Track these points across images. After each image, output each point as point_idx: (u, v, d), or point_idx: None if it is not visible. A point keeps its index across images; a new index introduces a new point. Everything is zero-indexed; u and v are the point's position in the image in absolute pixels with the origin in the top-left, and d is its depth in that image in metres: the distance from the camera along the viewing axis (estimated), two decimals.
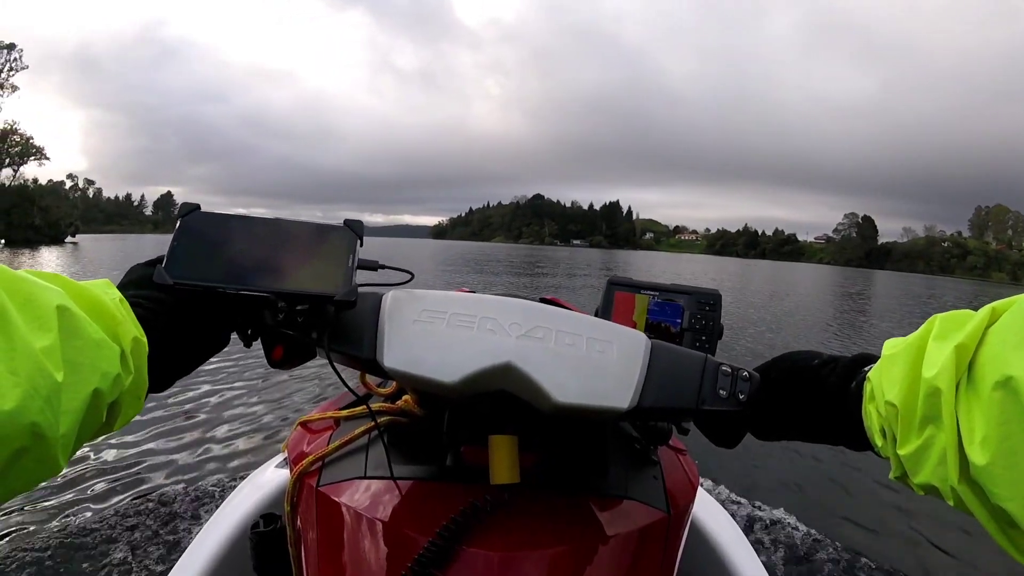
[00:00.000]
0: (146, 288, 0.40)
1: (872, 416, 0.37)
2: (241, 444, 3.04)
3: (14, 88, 43.77)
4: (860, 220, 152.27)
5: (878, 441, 0.37)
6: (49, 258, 22.04)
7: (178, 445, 2.92)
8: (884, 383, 0.35)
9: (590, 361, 0.43)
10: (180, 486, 2.41)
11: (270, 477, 0.82)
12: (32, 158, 47.22)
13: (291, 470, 0.57)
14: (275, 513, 0.63)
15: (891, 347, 0.37)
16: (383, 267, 0.51)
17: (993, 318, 0.30)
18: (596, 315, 0.57)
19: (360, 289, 0.42)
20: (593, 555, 0.46)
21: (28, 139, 47.69)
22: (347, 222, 0.44)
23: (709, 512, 0.82)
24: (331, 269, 0.41)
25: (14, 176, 46.43)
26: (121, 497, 2.31)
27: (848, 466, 3.29)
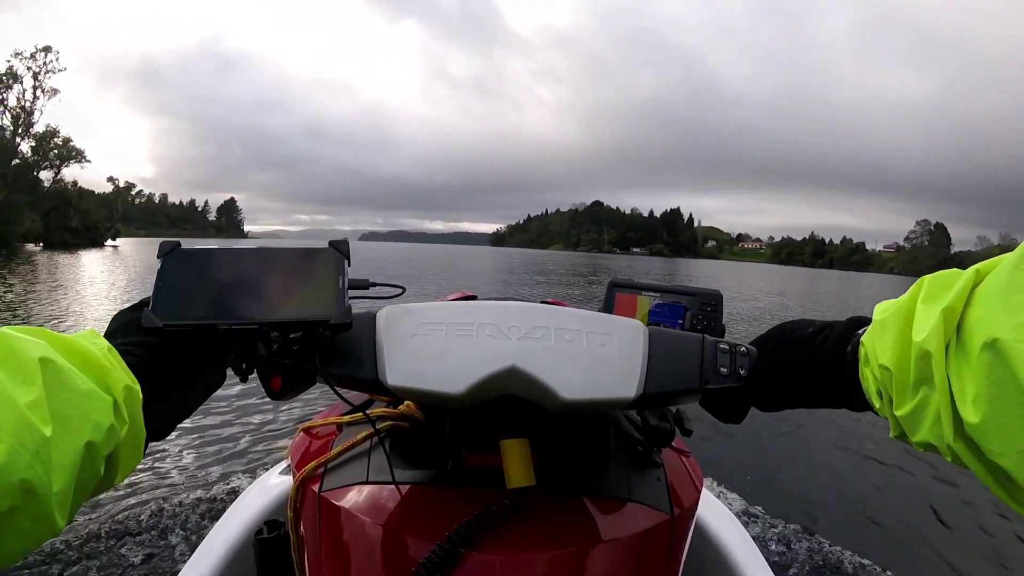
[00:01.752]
0: (134, 334, 0.39)
1: (868, 379, 0.38)
2: (244, 450, 3.01)
3: (54, 91, 43.08)
4: (933, 228, 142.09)
5: (876, 403, 0.38)
6: (88, 260, 22.26)
7: (181, 451, 2.92)
8: (877, 347, 0.36)
9: (592, 355, 0.43)
10: (184, 493, 2.40)
11: (274, 483, 0.82)
12: (73, 160, 46.03)
13: (294, 476, 0.57)
14: (279, 519, 0.62)
15: (882, 311, 0.37)
16: (374, 284, 0.50)
17: (978, 279, 0.31)
18: None
19: (352, 309, 0.42)
20: (597, 558, 0.46)
21: (68, 141, 45.98)
22: (332, 243, 0.43)
23: (714, 514, 0.80)
24: (322, 292, 0.41)
25: (54, 179, 45.57)
26: (125, 504, 2.31)
27: (856, 467, 3.35)
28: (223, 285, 0.40)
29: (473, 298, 0.74)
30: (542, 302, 0.57)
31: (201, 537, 1.97)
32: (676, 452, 0.66)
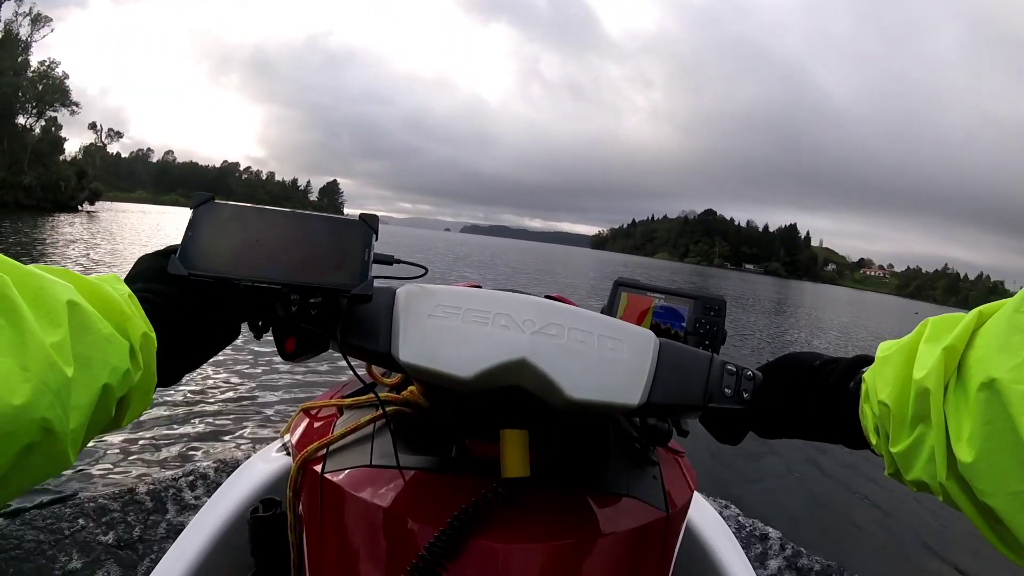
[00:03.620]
0: (154, 281, 0.40)
1: (867, 415, 0.38)
2: (237, 429, 2.95)
3: (46, 19, 35.26)
4: None
5: (873, 439, 0.38)
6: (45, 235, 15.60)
7: (173, 429, 2.87)
8: (878, 383, 0.37)
9: (602, 358, 0.44)
10: (176, 470, 2.36)
11: (270, 462, 0.81)
12: (57, 104, 37.32)
13: (294, 456, 0.57)
14: (275, 499, 0.62)
15: (885, 349, 0.38)
16: (398, 261, 0.52)
17: (981, 321, 0.31)
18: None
19: (374, 283, 0.42)
20: (593, 550, 0.47)
21: (59, 81, 37.66)
22: (362, 216, 0.44)
23: (704, 516, 0.83)
24: (347, 263, 0.41)
25: (33, 125, 36.31)
26: (116, 480, 2.29)
27: (842, 481, 3.40)
28: (251, 243, 0.40)
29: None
30: (546, 296, 0.58)
31: (191, 513, 2.14)
32: (671, 452, 0.66)
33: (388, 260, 0.49)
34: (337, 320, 0.43)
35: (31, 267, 0.29)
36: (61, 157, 38.98)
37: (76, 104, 39.90)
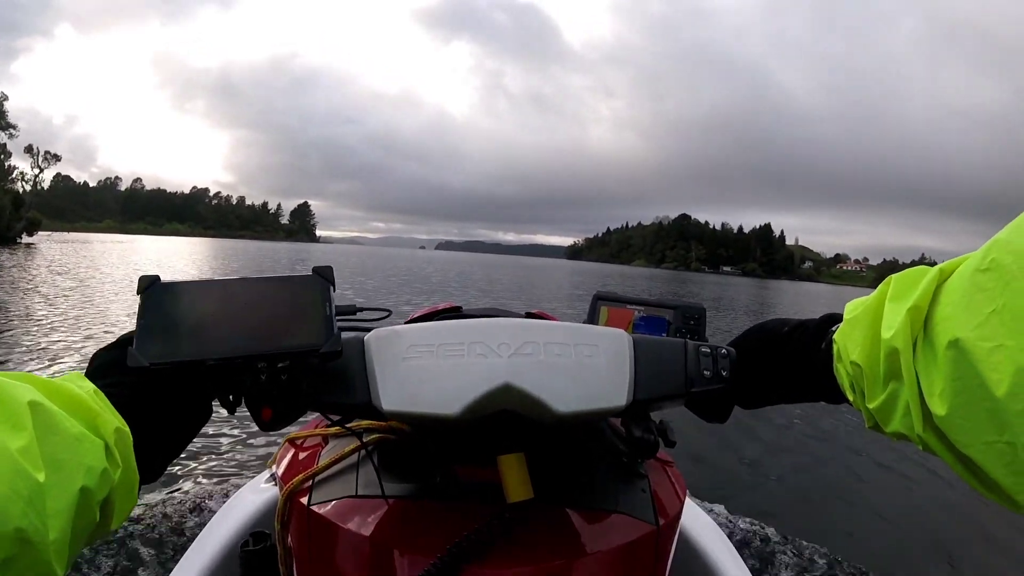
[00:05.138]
0: (117, 373, 0.39)
1: (842, 374, 0.39)
2: (225, 459, 2.96)
3: None
4: None
5: (850, 396, 0.39)
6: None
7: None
8: (848, 344, 0.38)
9: (582, 367, 0.44)
10: (166, 502, 2.27)
11: (258, 494, 0.80)
12: None
13: (280, 488, 0.57)
14: (265, 531, 0.62)
15: (852, 309, 0.39)
16: (361, 309, 0.51)
17: (943, 278, 0.32)
18: None
19: (341, 335, 0.42)
20: (583, 569, 0.47)
21: None
22: (316, 269, 0.43)
23: (697, 523, 0.81)
24: (309, 321, 0.40)
25: None
26: None
27: (834, 471, 3.49)
28: (207, 319, 0.39)
29: (458, 309, 0.73)
30: (527, 314, 0.57)
31: (183, 547, 1.56)
32: (659, 463, 0.66)
33: (351, 310, 0.48)
34: (310, 381, 0.42)
35: None
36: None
37: (13, 127, 37.49)
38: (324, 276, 0.42)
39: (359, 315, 0.52)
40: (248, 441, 3.23)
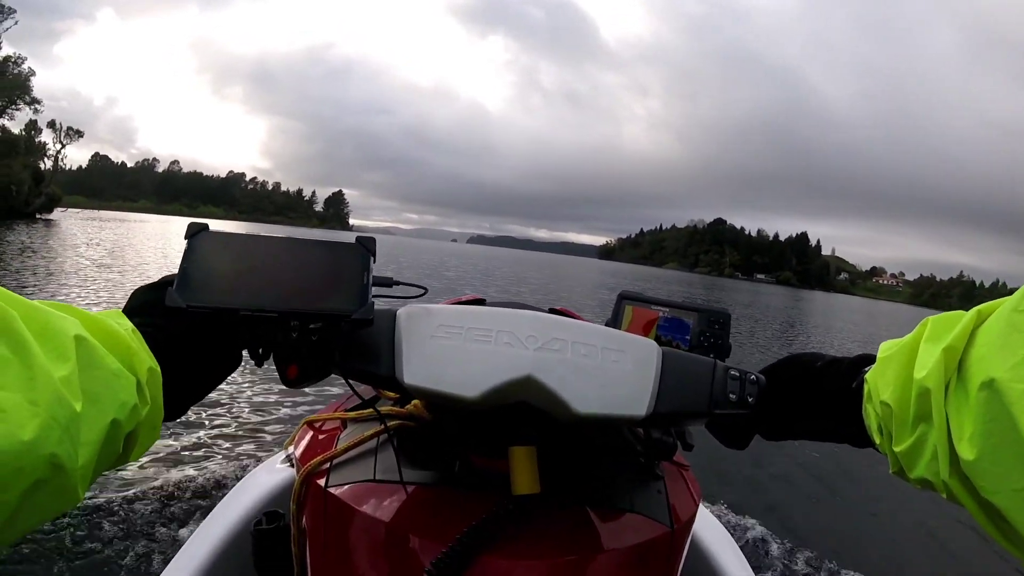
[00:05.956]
0: (153, 314, 0.40)
1: (870, 415, 0.39)
2: (240, 440, 2.97)
3: (9, 11, 31.47)
4: None
5: (876, 438, 0.38)
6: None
7: (177, 440, 2.89)
8: (879, 384, 0.37)
9: (606, 371, 0.44)
10: (179, 481, 2.37)
11: (273, 475, 0.81)
12: (19, 102, 33.28)
13: (297, 469, 0.57)
14: (279, 511, 0.62)
15: (886, 349, 0.38)
16: (398, 283, 0.51)
17: (980, 320, 0.32)
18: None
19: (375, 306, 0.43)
20: (598, 566, 0.47)
21: (25, 77, 34.00)
22: (359, 239, 0.44)
23: (708, 528, 0.81)
24: (346, 287, 0.41)
25: None
26: (118, 491, 2.28)
27: (846, 488, 3.44)
28: (248, 271, 0.40)
29: (482, 301, 0.74)
30: (550, 310, 0.58)
31: (194, 524, 1.89)
32: (676, 466, 0.66)
33: (388, 282, 0.49)
34: (338, 345, 0.43)
35: (37, 302, 0.29)
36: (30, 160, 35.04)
37: (39, 101, 35.43)
38: (366, 247, 0.43)
39: (395, 289, 0.53)
40: (264, 422, 3.25)
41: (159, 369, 0.35)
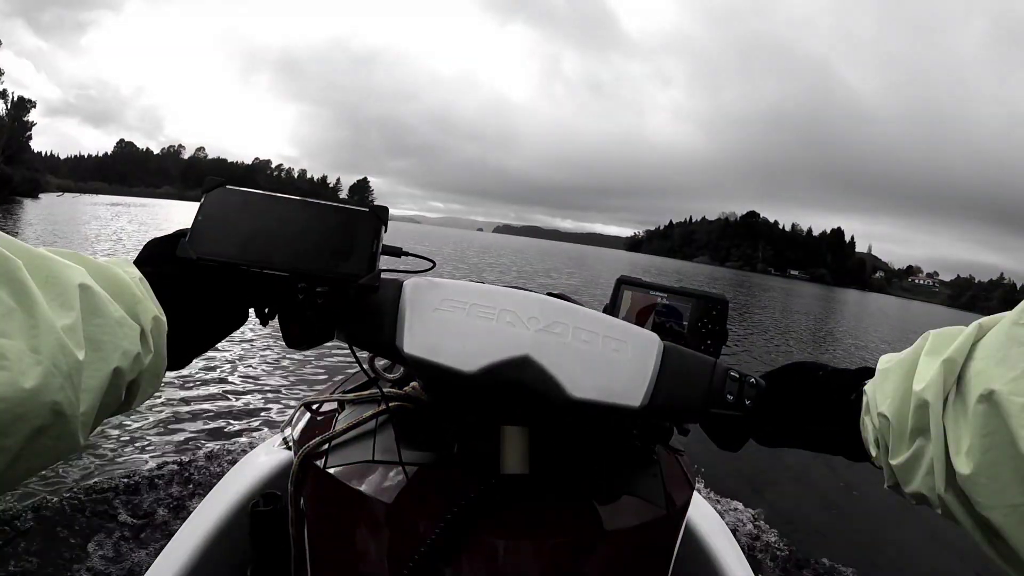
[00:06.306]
0: (164, 264, 0.39)
1: (867, 427, 0.39)
2: (237, 422, 2.98)
3: None
4: None
5: (873, 451, 0.38)
6: None
7: (174, 421, 2.89)
8: (878, 396, 0.37)
9: (605, 359, 0.44)
10: (177, 462, 2.37)
11: (271, 456, 0.82)
12: None
13: (295, 451, 0.57)
14: (276, 493, 0.62)
15: (886, 362, 0.39)
16: (407, 254, 0.52)
17: (980, 334, 0.32)
18: (604, 312, 0.57)
19: (381, 275, 0.42)
20: (594, 548, 0.48)
21: None
22: (373, 207, 0.43)
23: (702, 514, 0.83)
24: (355, 252, 0.41)
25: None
26: (117, 471, 2.30)
27: (840, 480, 3.38)
28: (260, 229, 0.40)
29: None
30: (548, 294, 0.59)
31: (192, 505, 1.99)
32: (671, 451, 0.67)
33: (396, 252, 0.50)
34: (344, 309, 0.43)
35: (42, 250, 0.29)
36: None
37: None
38: (379, 216, 0.43)
39: (404, 259, 0.53)
40: (262, 404, 3.26)
41: (164, 319, 0.35)
